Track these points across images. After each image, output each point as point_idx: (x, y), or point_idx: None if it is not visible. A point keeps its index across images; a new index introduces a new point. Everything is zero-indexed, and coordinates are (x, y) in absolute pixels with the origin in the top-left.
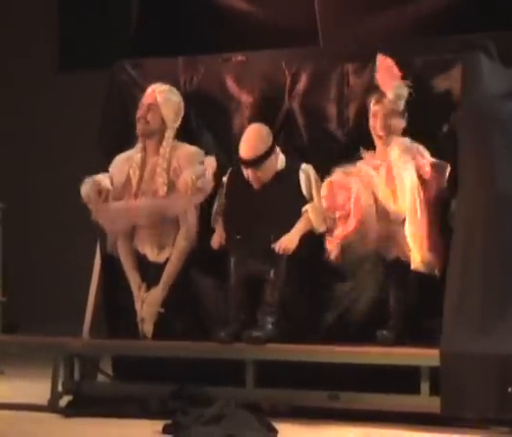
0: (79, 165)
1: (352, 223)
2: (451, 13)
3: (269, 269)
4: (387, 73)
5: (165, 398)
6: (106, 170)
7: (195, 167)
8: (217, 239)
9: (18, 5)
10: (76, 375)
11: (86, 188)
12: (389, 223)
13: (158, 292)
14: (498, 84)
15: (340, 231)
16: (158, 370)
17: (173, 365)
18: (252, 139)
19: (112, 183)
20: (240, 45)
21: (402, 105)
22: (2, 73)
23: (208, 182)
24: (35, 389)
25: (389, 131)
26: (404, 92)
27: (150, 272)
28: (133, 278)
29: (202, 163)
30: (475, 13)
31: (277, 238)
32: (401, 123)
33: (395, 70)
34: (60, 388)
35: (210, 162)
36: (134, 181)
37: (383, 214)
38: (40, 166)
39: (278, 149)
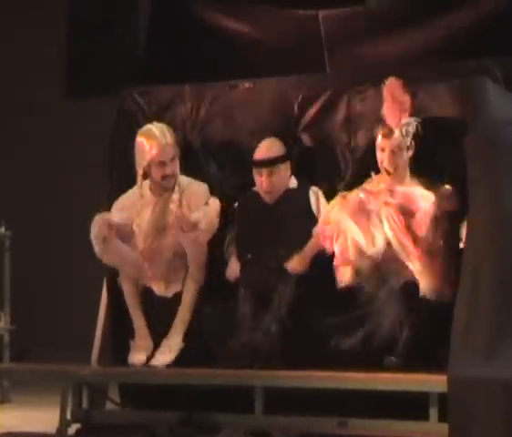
0: (87, 191)
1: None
2: (458, 38)
3: (278, 286)
4: (395, 106)
5: (173, 425)
6: (114, 196)
7: (201, 209)
8: (232, 271)
9: (26, 30)
10: (85, 403)
11: (96, 226)
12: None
13: (175, 343)
14: (505, 108)
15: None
16: (167, 397)
17: (181, 392)
18: (268, 143)
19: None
20: (247, 72)
21: (409, 140)
22: (10, 98)
23: (212, 224)
24: (44, 417)
25: (396, 166)
26: (412, 128)
27: (156, 306)
28: (137, 320)
29: (207, 203)
30: (481, 38)
31: (287, 256)
32: (408, 155)
33: (404, 100)
34: (69, 416)
35: (215, 204)
36: (143, 226)
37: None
38: (48, 192)
39: (289, 167)
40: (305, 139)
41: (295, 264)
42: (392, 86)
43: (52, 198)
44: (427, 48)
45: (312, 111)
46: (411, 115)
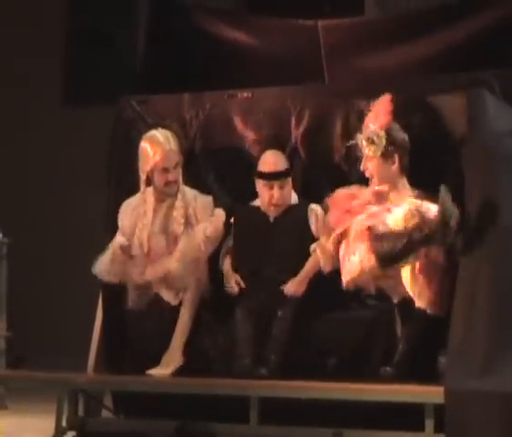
0: (86, 199)
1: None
2: (456, 50)
3: (277, 305)
4: (372, 116)
5: (169, 434)
6: (112, 204)
7: (208, 220)
8: (234, 284)
9: (25, 39)
10: (81, 411)
11: (101, 264)
12: None
13: (175, 358)
14: (503, 120)
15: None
16: (162, 406)
17: (177, 401)
18: (274, 155)
19: (125, 234)
20: (246, 81)
21: (377, 150)
22: (8, 106)
23: (218, 232)
24: (40, 424)
25: (371, 175)
26: (376, 138)
27: (166, 315)
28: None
29: (212, 214)
30: (480, 50)
31: (286, 276)
32: (385, 167)
33: (383, 112)
34: (64, 423)
35: (220, 215)
36: (145, 231)
37: None
38: (45, 200)
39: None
40: (303, 149)
41: (292, 287)
42: (379, 102)
43: (50, 206)
44: (426, 60)
45: (309, 121)
46: (388, 127)
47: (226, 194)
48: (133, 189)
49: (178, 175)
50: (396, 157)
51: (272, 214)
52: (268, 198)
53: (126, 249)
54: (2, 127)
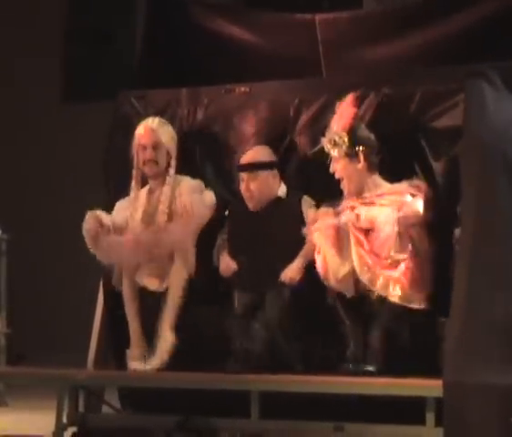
0: (84, 195)
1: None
2: (456, 41)
3: (271, 294)
4: (336, 118)
5: (170, 429)
6: (110, 200)
7: (193, 195)
8: (226, 266)
9: (24, 36)
10: (81, 407)
11: (87, 222)
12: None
13: (166, 343)
14: (502, 113)
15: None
16: (164, 401)
17: (178, 396)
18: (255, 149)
19: (113, 225)
20: (243, 76)
21: (341, 151)
22: (8, 103)
23: (204, 210)
24: (40, 420)
25: (341, 178)
26: (338, 139)
27: (149, 302)
28: (133, 326)
29: (201, 193)
30: (479, 42)
31: (280, 265)
32: (351, 166)
33: (346, 113)
34: (65, 419)
35: (209, 195)
36: (135, 219)
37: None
38: (45, 196)
39: (278, 175)
40: (301, 143)
41: (288, 274)
42: (342, 103)
43: (49, 202)
44: (425, 52)
45: (307, 115)
46: (350, 127)
47: (224, 189)
48: (131, 185)
49: (156, 156)
50: (362, 156)
51: (250, 205)
52: (245, 190)
53: (103, 224)
54: (1, 124)
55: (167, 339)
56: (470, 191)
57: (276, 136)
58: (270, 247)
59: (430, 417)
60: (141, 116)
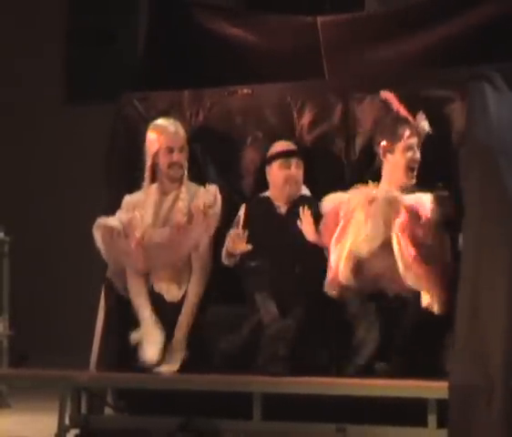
0: (87, 197)
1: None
2: (458, 43)
3: (292, 300)
4: (398, 105)
5: (172, 431)
6: (112, 202)
7: (206, 195)
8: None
9: (26, 36)
10: (84, 408)
11: (98, 233)
12: (389, 257)
13: (178, 351)
14: (504, 115)
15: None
16: (166, 402)
17: (180, 397)
18: (285, 142)
19: (122, 225)
20: (246, 78)
21: (418, 142)
22: (9, 105)
23: (218, 212)
24: (42, 422)
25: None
26: (425, 128)
27: (167, 313)
28: (143, 312)
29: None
30: (481, 44)
31: (302, 268)
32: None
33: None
34: (67, 421)
35: (215, 191)
36: (146, 218)
37: (381, 248)
38: (48, 198)
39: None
40: (304, 145)
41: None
42: (389, 94)
43: (51, 204)
44: (427, 54)
45: (310, 117)
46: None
47: (227, 190)
48: (133, 186)
49: (182, 159)
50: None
51: (285, 201)
52: (284, 177)
53: (114, 231)
54: (3, 125)
55: (180, 354)
56: (472, 194)
57: (279, 138)
58: (294, 248)
59: (432, 419)
60: (144, 118)
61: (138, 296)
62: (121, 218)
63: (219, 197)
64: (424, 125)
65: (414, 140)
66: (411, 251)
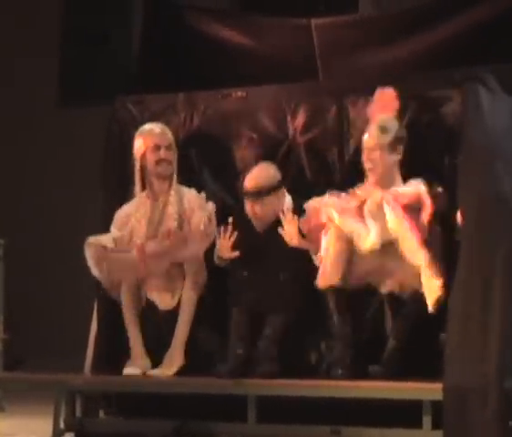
0: (81, 201)
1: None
2: (452, 46)
3: (273, 306)
4: (379, 106)
5: (167, 434)
6: (107, 204)
7: (203, 213)
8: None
9: (20, 40)
10: (78, 412)
11: (90, 251)
12: (383, 256)
13: (176, 358)
14: (498, 116)
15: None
16: (160, 405)
17: (175, 401)
18: (257, 172)
19: (115, 243)
20: (240, 80)
21: (387, 138)
22: (3, 106)
23: (213, 230)
24: (37, 426)
25: (375, 166)
26: (391, 125)
27: (160, 320)
28: (133, 337)
29: (207, 209)
30: (476, 46)
31: (286, 276)
32: (393, 158)
33: (390, 103)
34: (62, 425)
35: (211, 209)
36: (140, 231)
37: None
38: (42, 201)
39: (284, 192)
40: (298, 147)
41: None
42: (384, 93)
43: (46, 208)
44: (421, 56)
45: (304, 119)
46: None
47: (221, 194)
48: (128, 189)
49: (170, 156)
50: (401, 150)
51: (258, 227)
52: (250, 212)
53: (107, 249)
54: None
55: (177, 360)
56: (469, 195)
57: (273, 140)
58: (276, 258)
59: (427, 420)
60: (138, 121)
61: (130, 320)
62: (114, 234)
63: (214, 215)
64: (374, 127)
65: (364, 141)
66: (418, 235)
